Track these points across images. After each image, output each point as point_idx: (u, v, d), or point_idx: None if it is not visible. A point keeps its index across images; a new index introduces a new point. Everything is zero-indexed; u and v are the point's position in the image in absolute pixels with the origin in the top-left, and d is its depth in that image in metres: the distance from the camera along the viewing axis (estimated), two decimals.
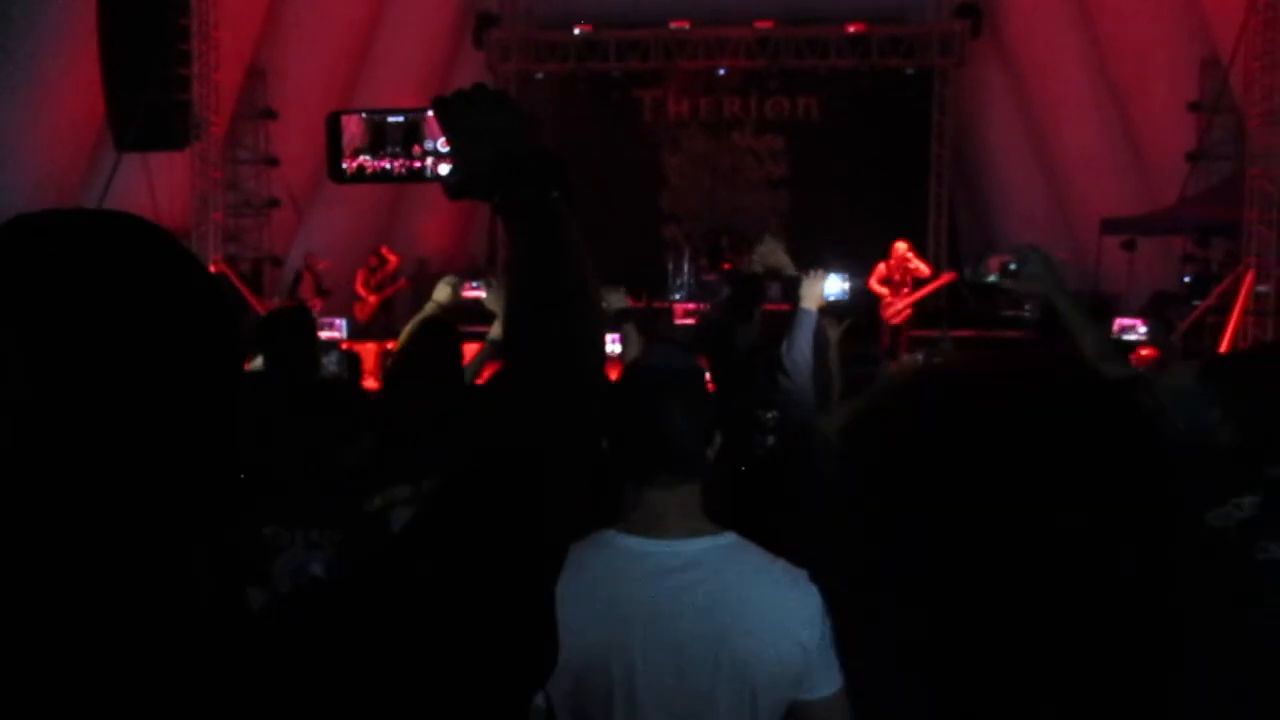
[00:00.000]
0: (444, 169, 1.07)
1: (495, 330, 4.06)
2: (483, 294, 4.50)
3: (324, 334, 5.72)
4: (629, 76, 14.60)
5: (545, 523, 0.89)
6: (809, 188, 14.44)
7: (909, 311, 10.63)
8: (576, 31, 14.27)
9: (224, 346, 0.79)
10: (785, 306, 3.35)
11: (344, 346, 6.37)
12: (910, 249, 10.86)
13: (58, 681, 0.68)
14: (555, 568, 0.89)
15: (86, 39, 10.24)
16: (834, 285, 3.42)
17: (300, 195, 13.00)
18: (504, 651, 0.83)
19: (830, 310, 3.20)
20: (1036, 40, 13.32)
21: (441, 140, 1.06)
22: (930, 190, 14.36)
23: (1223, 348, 9.67)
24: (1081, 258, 12.74)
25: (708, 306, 8.70)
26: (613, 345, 3.62)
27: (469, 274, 7.21)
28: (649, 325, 5.37)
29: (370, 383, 6.64)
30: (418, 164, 1.08)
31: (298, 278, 12.61)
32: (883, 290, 10.64)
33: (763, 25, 14.00)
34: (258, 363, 3.52)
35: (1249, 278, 10.01)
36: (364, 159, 1.09)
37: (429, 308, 4.17)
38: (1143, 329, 7.67)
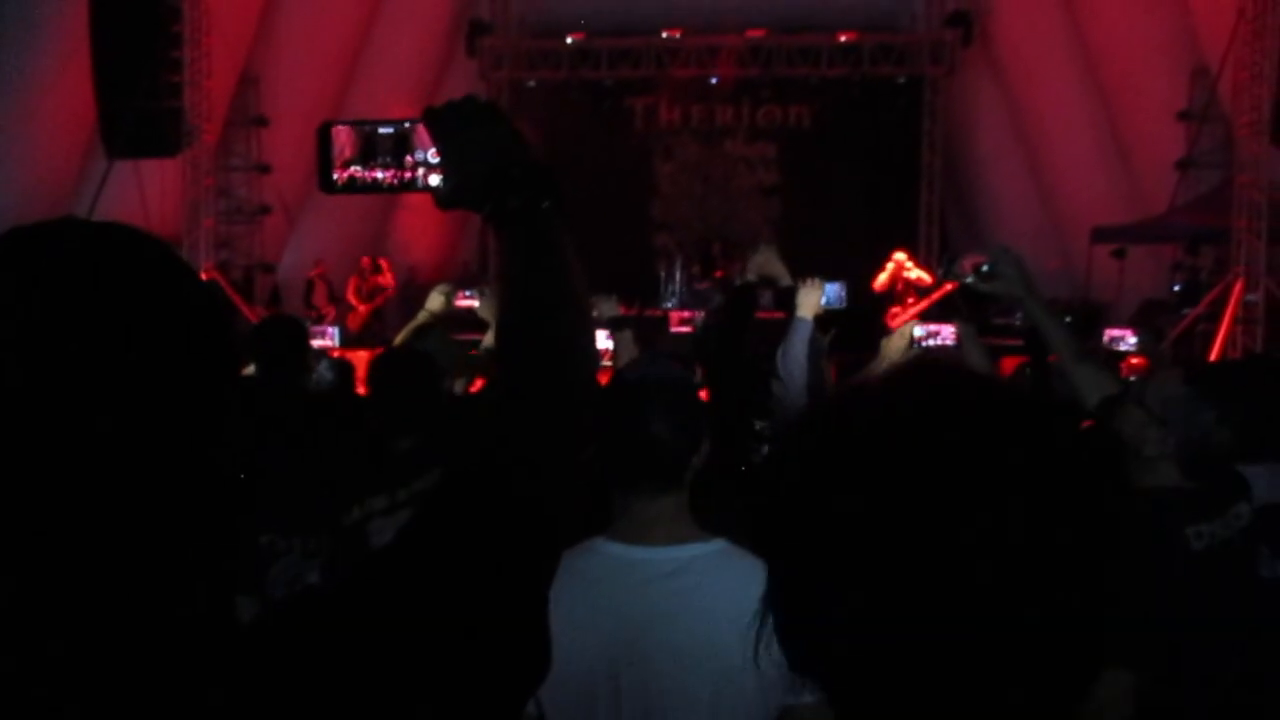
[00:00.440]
0: (435, 179, 1.07)
1: (488, 339, 4.06)
2: (476, 303, 4.50)
3: (316, 342, 5.71)
4: (621, 84, 14.63)
5: (537, 531, 0.89)
6: (801, 195, 14.47)
7: (915, 320, 10.65)
8: (569, 40, 14.30)
9: (218, 356, 0.79)
10: (778, 315, 3.35)
11: (335, 354, 6.36)
12: (910, 258, 10.90)
13: (46, 690, 0.68)
14: (548, 575, 0.89)
15: (78, 45, 10.23)
16: (830, 294, 3.42)
17: (292, 202, 13.00)
18: (497, 659, 0.83)
19: (821, 320, 3.21)
20: (1026, 49, 13.39)
21: (432, 151, 1.06)
22: (921, 198, 14.41)
23: (1213, 355, 9.72)
24: (1072, 266, 12.80)
25: (703, 314, 8.70)
26: (604, 344, 3.62)
27: (462, 282, 7.21)
28: (647, 335, 5.37)
29: (363, 390, 6.61)
30: (409, 175, 1.08)
31: (311, 286, 12.60)
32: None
33: (754, 34, 14.05)
34: (249, 370, 3.52)
35: (1238, 286, 10.07)
36: (355, 170, 1.09)
37: (422, 316, 4.17)
38: (1132, 339, 7.70)
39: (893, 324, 10.52)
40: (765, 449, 3.04)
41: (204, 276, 10.74)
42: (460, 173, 1.04)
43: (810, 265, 3.73)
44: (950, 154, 14.57)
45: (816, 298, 3.14)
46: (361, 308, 12.55)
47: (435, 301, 4.17)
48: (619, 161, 14.60)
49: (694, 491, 1.75)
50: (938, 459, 0.64)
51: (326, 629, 0.77)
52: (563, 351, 0.97)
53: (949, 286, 2.64)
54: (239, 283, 12.55)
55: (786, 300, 3.27)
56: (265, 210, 13.19)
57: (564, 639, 1.06)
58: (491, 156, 1.02)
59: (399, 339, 4.13)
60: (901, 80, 14.29)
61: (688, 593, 1.63)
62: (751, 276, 3.63)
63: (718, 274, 13.56)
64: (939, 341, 4.14)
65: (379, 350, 4.50)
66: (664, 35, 14.08)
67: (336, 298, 12.47)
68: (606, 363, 3.45)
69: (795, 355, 2.85)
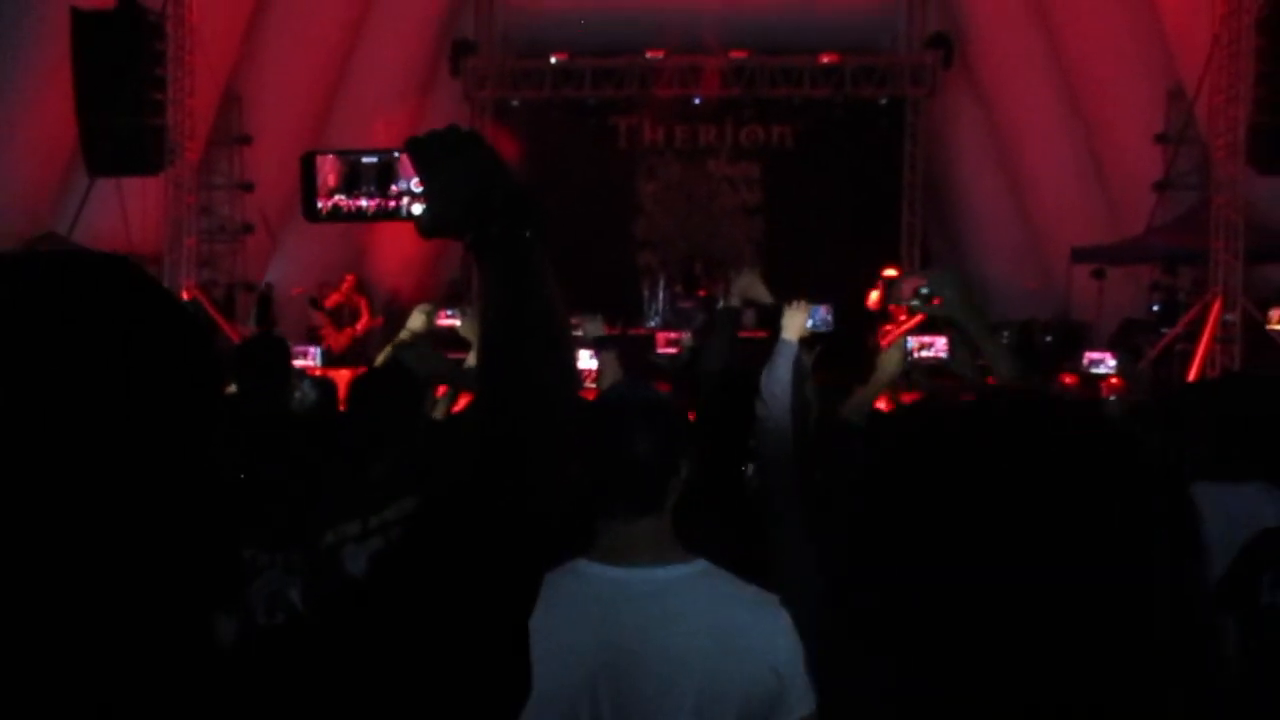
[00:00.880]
0: (418, 208, 1.08)
1: (471, 358, 4.06)
2: (457, 322, 4.50)
3: (298, 362, 5.69)
4: (604, 104, 14.69)
5: (518, 554, 0.90)
6: (783, 215, 14.54)
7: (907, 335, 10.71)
8: (553, 60, 14.35)
9: (200, 377, 0.80)
10: (761, 334, 3.36)
11: (317, 374, 6.33)
12: (900, 276, 10.97)
13: (25, 707, 0.68)
14: (529, 600, 0.89)
15: (60, 62, 10.20)
16: (816, 317, 3.43)
17: (275, 221, 12.97)
18: (478, 685, 0.83)
19: (807, 341, 3.21)
20: (1006, 71, 13.53)
21: (415, 180, 1.07)
22: (903, 218, 14.50)
23: (1192, 375, 9.80)
24: (1052, 285, 12.90)
25: (689, 334, 8.72)
26: (589, 364, 3.62)
27: (444, 301, 7.20)
28: (632, 356, 5.37)
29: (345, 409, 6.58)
30: (393, 203, 1.09)
31: (316, 303, 12.63)
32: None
33: (737, 55, 14.14)
34: (232, 389, 3.51)
35: (1216, 306, 10.17)
36: (339, 198, 1.10)
37: (403, 335, 4.16)
38: (1111, 362, 7.75)
39: (884, 342, 10.58)
40: (749, 469, 3.05)
41: (186, 296, 10.73)
42: (442, 201, 1.05)
43: (793, 284, 3.75)
44: (931, 174, 14.68)
45: (802, 320, 3.15)
46: (341, 336, 12.55)
47: (417, 321, 4.17)
48: (602, 180, 14.64)
49: (678, 511, 1.76)
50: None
51: (306, 656, 0.77)
52: (543, 376, 0.97)
53: (936, 302, 2.68)
54: (220, 301, 12.50)
55: (771, 320, 3.28)
56: (248, 229, 13.15)
57: (545, 659, 1.06)
58: (474, 185, 1.03)
59: (380, 359, 4.12)
60: (883, 101, 14.41)
61: (669, 613, 1.63)
62: (735, 301, 3.64)
63: (701, 293, 13.61)
64: (932, 353, 4.20)
65: (361, 370, 4.49)
66: (647, 55, 14.15)
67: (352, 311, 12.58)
68: (590, 384, 3.45)
69: (779, 377, 2.85)
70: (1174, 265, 11.89)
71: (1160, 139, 12.11)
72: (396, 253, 14.09)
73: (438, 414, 3.89)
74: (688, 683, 1.60)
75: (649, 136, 15.06)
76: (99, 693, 0.70)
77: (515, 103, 14.55)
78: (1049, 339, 11.95)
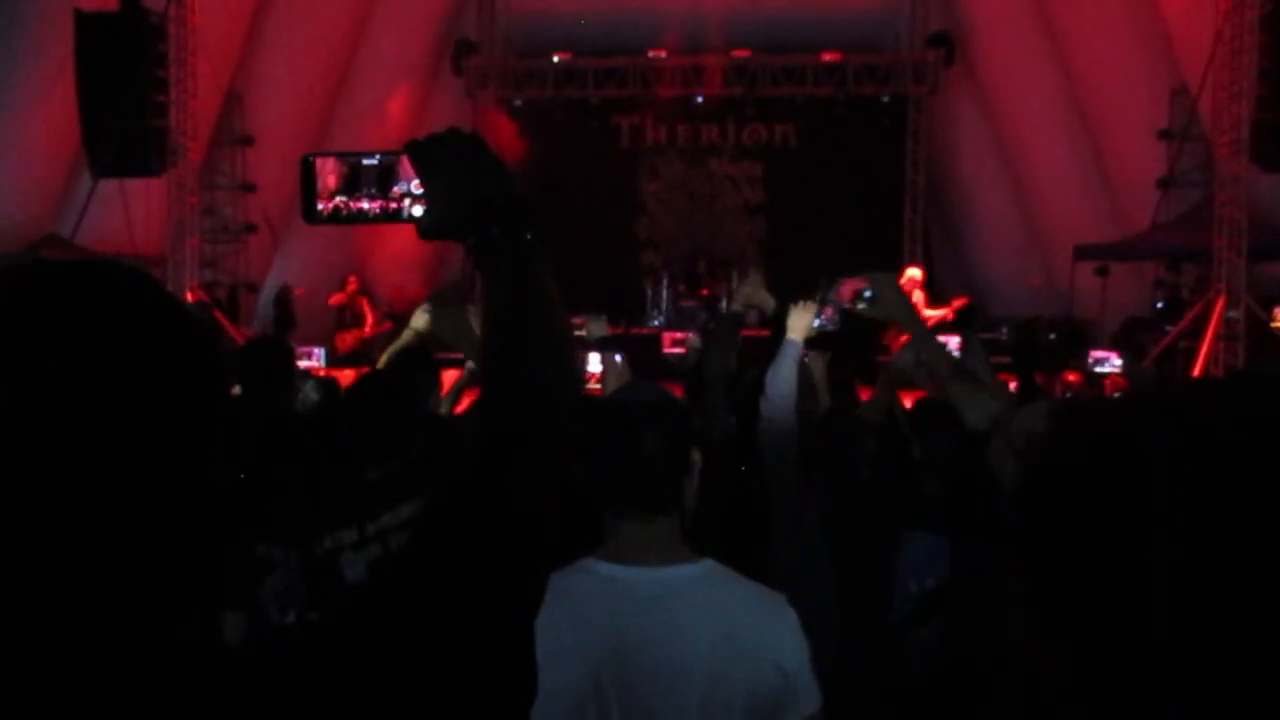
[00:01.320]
0: (419, 210, 1.08)
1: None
2: None
3: (302, 363, 5.69)
4: (607, 103, 14.69)
5: (521, 556, 0.90)
6: (786, 214, 14.55)
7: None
8: (555, 59, 14.36)
9: (203, 387, 0.79)
10: (764, 332, 3.36)
11: (321, 374, 6.34)
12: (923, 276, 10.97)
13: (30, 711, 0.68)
14: (534, 602, 0.89)
15: (63, 64, 10.22)
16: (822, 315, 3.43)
17: (277, 221, 12.98)
18: (482, 687, 0.83)
19: (814, 341, 3.20)
20: (1008, 69, 13.52)
21: (416, 182, 1.07)
22: (905, 216, 14.50)
23: (1196, 372, 9.79)
24: (1055, 283, 12.89)
25: (693, 334, 8.75)
26: (595, 366, 3.62)
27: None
28: (645, 356, 5.38)
29: None
30: (394, 205, 1.09)
31: (354, 313, 12.69)
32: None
33: (739, 54, 14.14)
34: (235, 390, 3.51)
35: (1220, 303, 10.16)
36: (340, 200, 1.10)
37: (406, 335, 4.15)
38: (1117, 360, 7.72)
39: (895, 344, 10.56)
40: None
41: (191, 298, 10.73)
42: (443, 203, 1.05)
43: (795, 283, 3.74)
44: (934, 172, 14.68)
45: (808, 320, 3.13)
46: (347, 337, 12.59)
47: (420, 320, 4.15)
48: (605, 180, 14.66)
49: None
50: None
51: (314, 659, 0.77)
52: (545, 378, 0.98)
53: (958, 302, 2.67)
54: (223, 302, 12.52)
55: (775, 319, 3.27)
56: (250, 229, 13.17)
57: (553, 658, 1.06)
58: (475, 188, 1.03)
59: (382, 360, 4.12)
60: (885, 99, 14.41)
61: (677, 613, 1.63)
62: (738, 306, 3.64)
63: (703, 292, 13.62)
64: None
65: (364, 370, 4.49)
66: (650, 55, 14.16)
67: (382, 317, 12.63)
68: (594, 385, 3.45)
69: (784, 376, 2.85)
70: (1177, 263, 11.89)
71: (1163, 136, 12.10)
72: (399, 253, 14.10)
73: (443, 411, 3.88)
74: (695, 681, 1.60)
75: (651, 136, 15.08)
76: (102, 693, 0.70)
77: (518, 102, 14.56)
78: (1053, 336, 11.94)
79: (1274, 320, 9.92)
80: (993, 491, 2.18)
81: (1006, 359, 11.08)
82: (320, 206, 1.11)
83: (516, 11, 14.55)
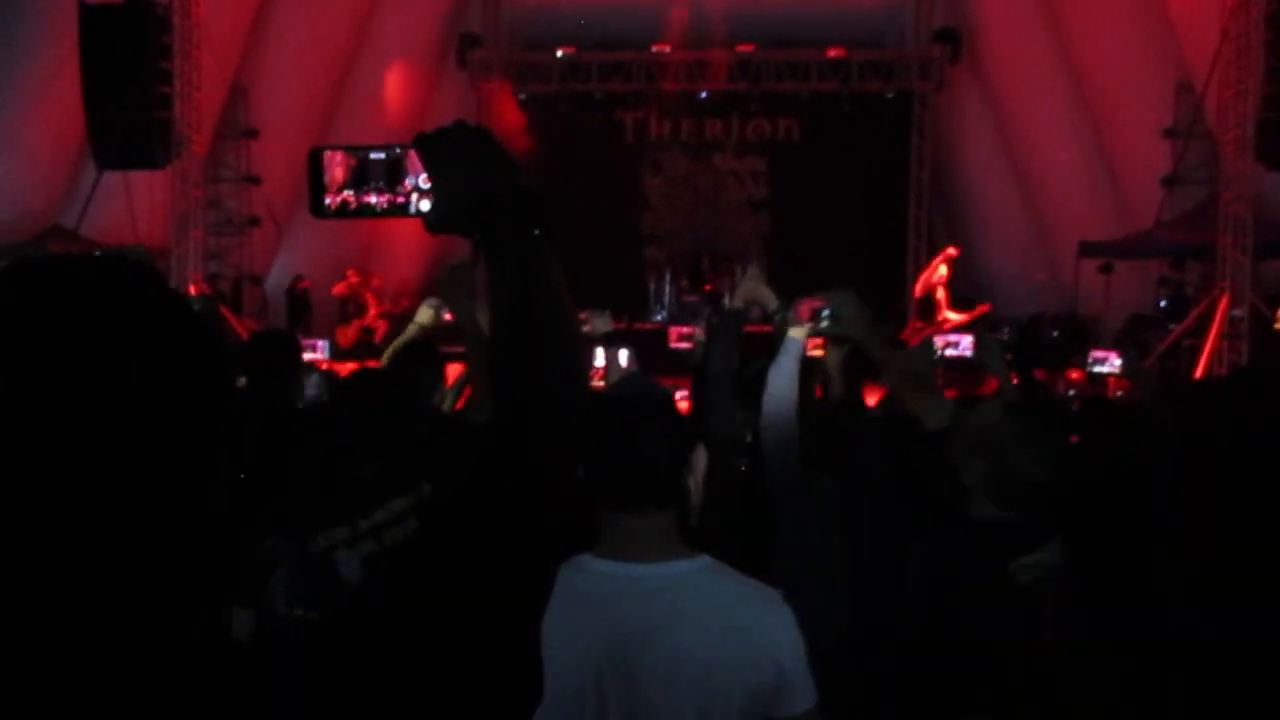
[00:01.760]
0: (426, 205, 1.07)
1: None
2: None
3: (306, 356, 5.70)
4: (611, 98, 14.68)
5: (526, 554, 0.90)
6: (790, 209, 14.54)
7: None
8: (559, 53, 14.34)
9: (207, 381, 0.80)
10: (766, 328, 3.35)
11: (325, 367, 6.35)
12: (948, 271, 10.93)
13: (40, 706, 0.69)
14: (540, 601, 0.90)
15: (68, 56, 10.22)
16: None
17: (281, 214, 12.98)
18: (490, 685, 0.84)
19: (825, 337, 3.19)
20: (1014, 66, 13.49)
21: (424, 176, 1.07)
22: (910, 212, 14.48)
23: (1199, 371, 9.78)
24: (1059, 280, 12.87)
25: (700, 329, 8.77)
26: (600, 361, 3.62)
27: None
28: (649, 352, 5.36)
29: None
30: (401, 199, 1.09)
31: (357, 305, 12.69)
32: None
33: (744, 49, 14.12)
34: (241, 383, 3.51)
35: (1224, 301, 10.14)
36: (347, 194, 1.10)
37: (411, 330, 4.15)
38: (1117, 360, 7.68)
39: (913, 340, 10.52)
40: (746, 462, 3.04)
41: (195, 291, 10.73)
42: (450, 198, 1.04)
43: (799, 279, 3.74)
44: (938, 169, 14.65)
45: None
46: (349, 330, 12.59)
47: (425, 315, 4.16)
48: (609, 174, 14.65)
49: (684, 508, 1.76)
50: None
51: (322, 655, 0.77)
52: (552, 373, 0.98)
53: (982, 308, 2.68)
54: (227, 295, 12.54)
55: (775, 315, 3.26)
56: (254, 222, 13.18)
57: (551, 654, 1.06)
58: (482, 182, 1.03)
59: (387, 354, 4.12)
60: (890, 95, 14.38)
61: (675, 609, 1.64)
62: (739, 303, 3.63)
63: (706, 287, 13.62)
64: (958, 351, 4.19)
65: (369, 363, 4.49)
66: (654, 49, 14.14)
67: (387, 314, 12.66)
68: (599, 380, 3.45)
69: (785, 372, 2.85)
70: (1182, 260, 11.86)
71: (1168, 133, 12.08)
72: (404, 247, 14.11)
73: (446, 406, 3.88)
74: (693, 677, 1.61)
75: (655, 130, 15.06)
76: (108, 686, 0.70)
77: (522, 96, 14.55)
78: (1056, 334, 11.93)
79: (1278, 319, 9.90)
80: (957, 485, 2.20)
81: (1009, 356, 11.13)
82: (328, 200, 1.10)
83: (521, 5, 14.54)
